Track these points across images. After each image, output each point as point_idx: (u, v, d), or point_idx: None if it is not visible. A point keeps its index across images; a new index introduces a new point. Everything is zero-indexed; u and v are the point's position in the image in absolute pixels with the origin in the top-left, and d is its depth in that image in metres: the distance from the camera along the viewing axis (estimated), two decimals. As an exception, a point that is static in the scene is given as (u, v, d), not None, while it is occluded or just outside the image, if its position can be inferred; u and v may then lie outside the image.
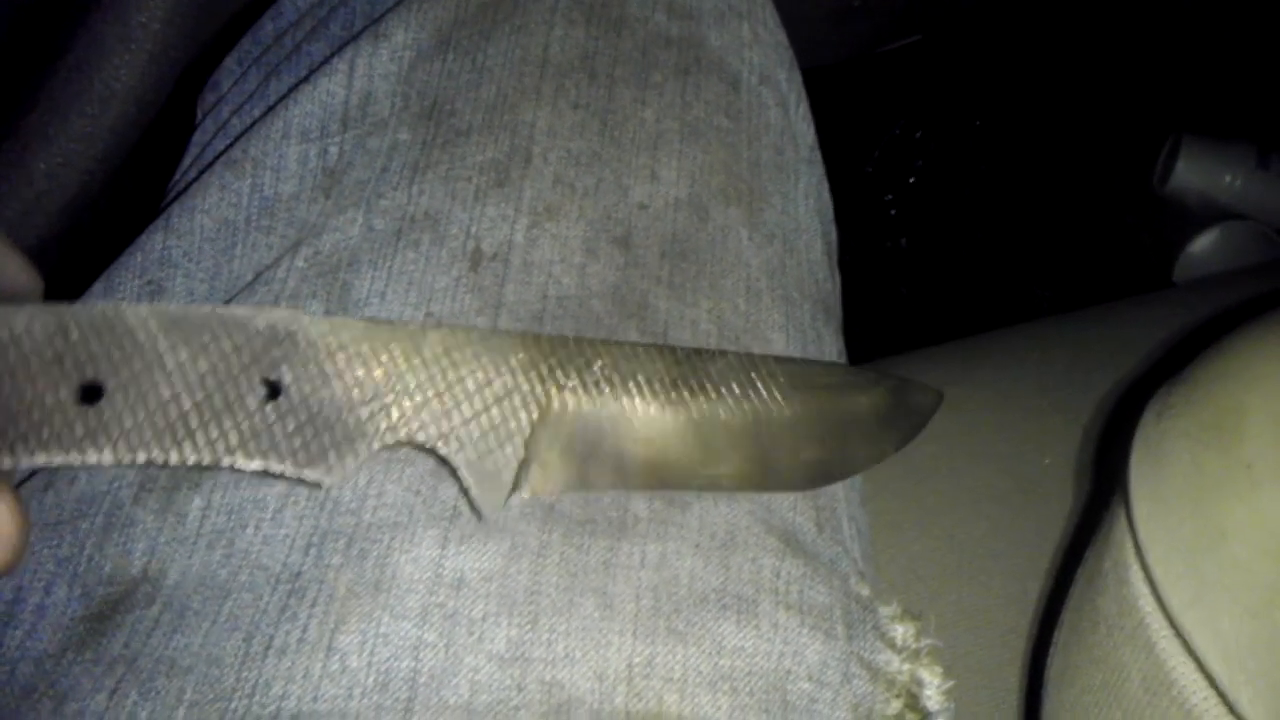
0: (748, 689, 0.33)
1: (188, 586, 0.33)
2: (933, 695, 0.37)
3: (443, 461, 0.33)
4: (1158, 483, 0.38)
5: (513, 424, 0.32)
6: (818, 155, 0.53)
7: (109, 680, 0.31)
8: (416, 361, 0.32)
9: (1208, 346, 0.41)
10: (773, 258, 0.44)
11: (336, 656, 0.31)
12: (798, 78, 0.53)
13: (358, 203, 0.41)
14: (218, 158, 0.43)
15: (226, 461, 0.29)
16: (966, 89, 1.36)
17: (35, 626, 0.33)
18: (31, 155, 0.52)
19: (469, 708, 0.31)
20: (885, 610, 0.39)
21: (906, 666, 0.37)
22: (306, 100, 0.43)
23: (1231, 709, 0.34)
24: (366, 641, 0.32)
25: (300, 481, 0.31)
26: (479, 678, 0.32)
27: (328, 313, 0.38)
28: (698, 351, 0.36)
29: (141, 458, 0.28)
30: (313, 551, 0.33)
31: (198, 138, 0.48)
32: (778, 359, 0.37)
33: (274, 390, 0.30)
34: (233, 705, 0.31)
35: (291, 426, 0.30)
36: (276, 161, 0.42)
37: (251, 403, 0.30)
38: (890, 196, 1.31)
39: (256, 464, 0.29)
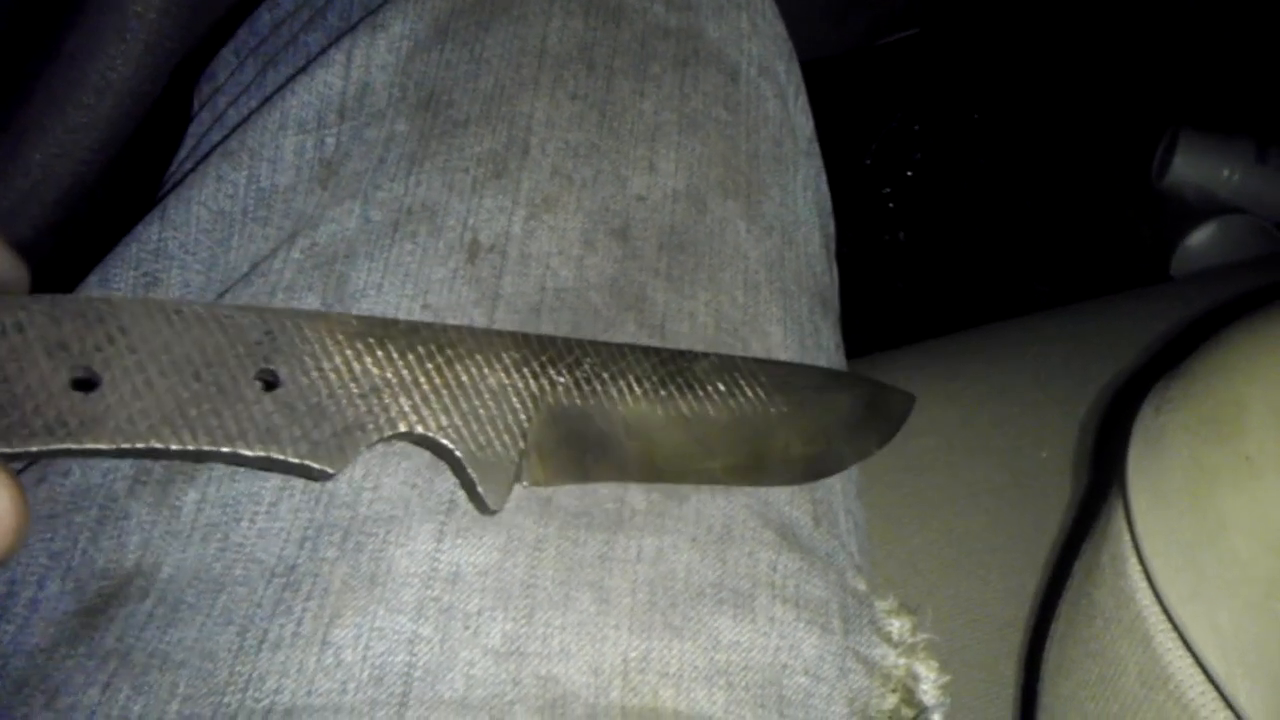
0: (744, 683, 0.33)
1: (182, 580, 0.33)
2: (929, 689, 0.37)
3: (441, 455, 0.33)
4: (1156, 476, 0.38)
5: (510, 418, 0.33)
6: (816, 148, 0.52)
7: (102, 674, 0.31)
8: (411, 358, 0.32)
9: (1206, 340, 0.41)
10: (771, 250, 0.44)
11: (331, 650, 0.31)
12: (796, 70, 0.53)
13: (355, 194, 0.40)
14: (214, 149, 0.43)
15: (226, 449, 0.29)
16: (965, 82, 1.36)
17: (28, 621, 0.33)
18: (27, 146, 0.52)
19: (464, 702, 0.31)
20: (882, 604, 0.39)
21: (903, 661, 0.37)
22: (303, 91, 0.43)
23: (1229, 703, 0.34)
24: (361, 635, 0.32)
25: (302, 470, 0.31)
26: (474, 672, 0.31)
27: (324, 304, 0.38)
28: (681, 353, 0.36)
29: (140, 445, 0.28)
30: (308, 545, 0.33)
31: (194, 129, 0.48)
32: (758, 361, 0.38)
33: (271, 383, 0.30)
34: (226, 699, 0.31)
35: (291, 416, 0.30)
36: (273, 153, 0.42)
37: (249, 394, 0.30)
38: (888, 189, 1.31)
39: (258, 451, 0.29)
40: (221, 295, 0.39)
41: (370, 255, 0.39)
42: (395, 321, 0.33)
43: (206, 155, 0.43)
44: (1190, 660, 0.35)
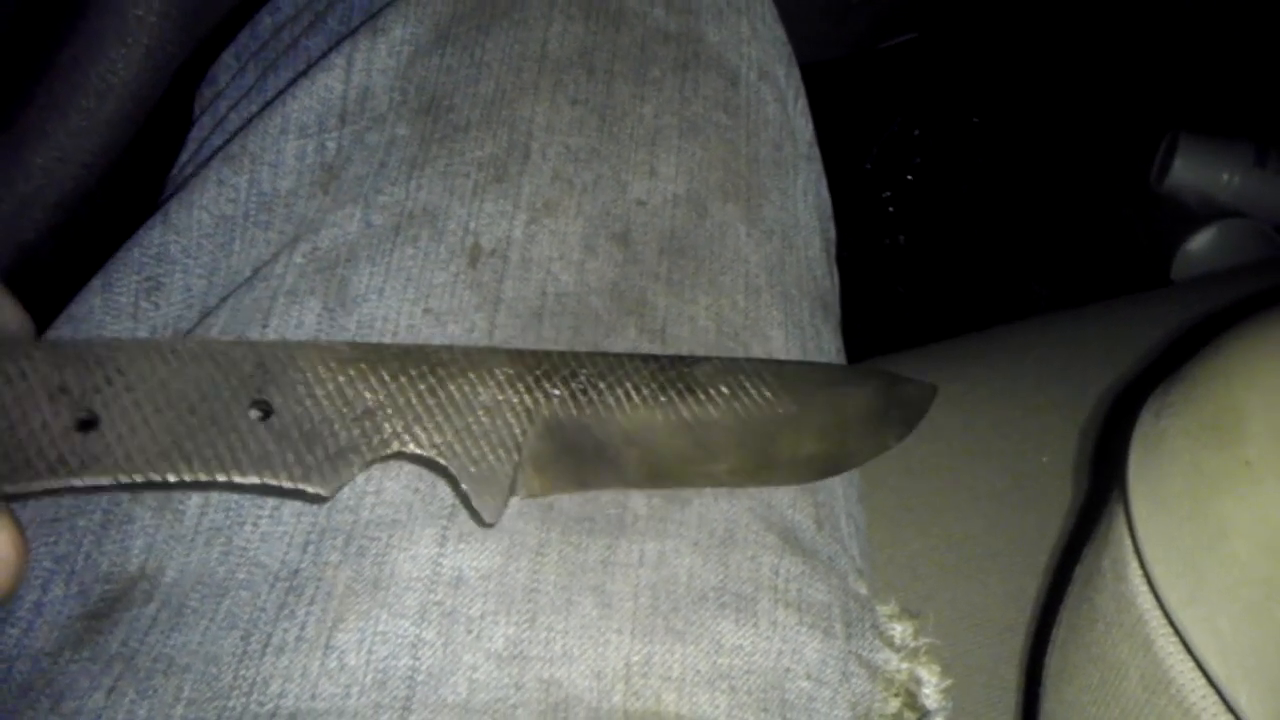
0: (746, 687, 0.33)
1: (186, 584, 0.33)
2: (931, 694, 0.37)
3: (437, 471, 0.33)
4: (1156, 480, 0.38)
5: (504, 432, 0.33)
6: (816, 152, 0.53)
7: (106, 678, 0.31)
8: (403, 379, 0.32)
9: (1206, 344, 0.41)
10: (771, 254, 0.44)
11: (334, 654, 0.31)
12: (796, 74, 0.53)
13: (356, 198, 0.40)
14: (215, 153, 0.43)
15: (222, 478, 0.30)
16: (965, 86, 1.36)
17: (32, 624, 0.33)
18: (29, 150, 0.52)
19: (467, 706, 0.31)
20: (884, 608, 0.39)
21: (905, 665, 0.37)
22: (304, 95, 0.43)
23: (1230, 707, 0.34)
24: (365, 639, 0.32)
25: (297, 495, 0.31)
26: (477, 676, 0.31)
27: (326, 309, 0.38)
28: (681, 358, 0.36)
29: (139, 479, 0.29)
30: (311, 549, 0.33)
31: (195, 133, 0.48)
32: (764, 361, 0.37)
33: (266, 412, 0.31)
34: (230, 703, 0.31)
35: (285, 443, 0.31)
36: (274, 157, 0.42)
37: (244, 424, 0.30)
38: (888, 193, 1.31)
39: (253, 478, 0.30)
40: (224, 300, 0.39)
41: (372, 259, 0.39)
42: (387, 346, 0.33)
43: (208, 159, 0.43)
44: (1191, 664, 0.35)
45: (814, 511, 0.39)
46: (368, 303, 0.38)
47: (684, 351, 0.38)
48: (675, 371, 0.36)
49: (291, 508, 0.34)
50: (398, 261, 0.39)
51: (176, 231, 0.41)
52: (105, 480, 0.29)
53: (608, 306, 0.39)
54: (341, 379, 0.32)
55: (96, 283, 0.40)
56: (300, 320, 0.38)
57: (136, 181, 0.53)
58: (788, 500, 0.38)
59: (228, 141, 0.43)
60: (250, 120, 0.44)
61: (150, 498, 0.35)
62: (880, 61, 1.37)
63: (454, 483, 0.33)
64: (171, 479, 0.29)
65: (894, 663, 0.37)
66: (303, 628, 0.32)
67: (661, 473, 0.35)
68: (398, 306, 0.38)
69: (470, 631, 0.32)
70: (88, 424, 0.29)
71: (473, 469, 0.32)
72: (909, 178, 1.32)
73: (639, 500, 0.36)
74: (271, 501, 0.34)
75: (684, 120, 0.45)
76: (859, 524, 0.43)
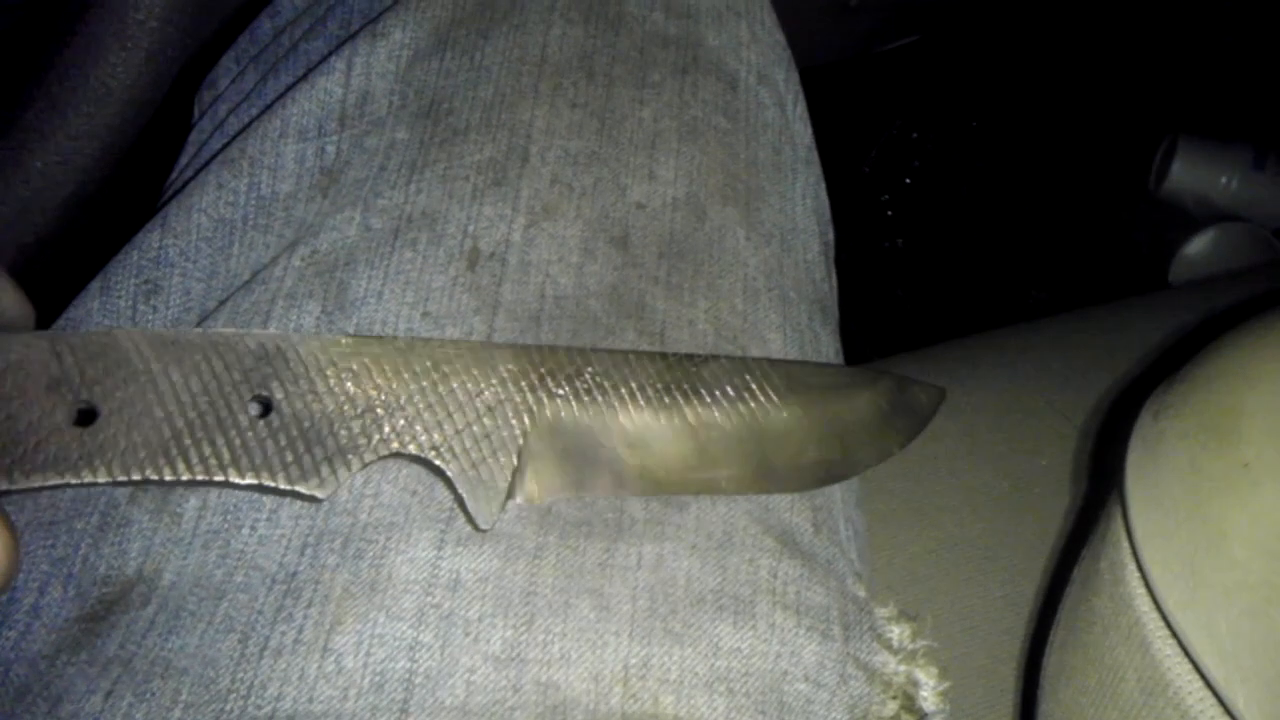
0: (744, 690, 0.33)
1: (183, 587, 0.33)
2: (929, 696, 0.37)
3: (435, 472, 0.33)
4: (1154, 483, 0.38)
5: (505, 433, 0.33)
6: (815, 155, 0.53)
7: (104, 681, 0.31)
8: (406, 376, 0.32)
9: (1204, 347, 0.41)
10: (770, 258, 0.44)
11: (332, 657, 0.31)
12: (795, 77, 0.53)
13: (355, 202, 0.40)
14: (215, 156, 0.43)
15: (219, 478, 0.30)
16: (963, 89, 1.37)
17: (30, 627, 0.33)
18: (28, 153, 0.52)
19: (464, 708, 0.31)
20: (882, 611, 0.39)
21: (903, 667, 0.37)
22: (304, 99, 0.43)
23: (1227, 710, 0.34)
24: (362, 642, 0.32)
25: (293, 496, 0.31)
26: (475, 679, 0.31)
27: (325, 312, 0.38)
28: (689, 356, 0.36)
29: (136, 477, 0.29)
30: (308, 552, 0.33)
31: (195, 136, 0.48)
32: (771, 361, 0.37)
33: (265, 408, 0.30)
34: (228, 706, 0.31)
35: (283, 442, 0.30)
36: (274, 160, 0.42)
37: (243, 420, 0.30)
38: (887, 197, 1.32)
39: (249, 479, 0.30)
40: (222, 303, 0.39)
41: (371, 263, 0.39)
42: (391, 339, 0.33)
43: (207, 163, 0.43)
44: (1189, 666, 0.35)
45: (812, 515, 0.39)
46: (366, 306, 0.38)
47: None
48: (682, 370, 0.35)
49: (289, 511, 0.34)
50: (396, 265, 0.39)
51: (175, 235, 0.41)
52: (102, 478, 0.28)
53: (606, 309, 0.39)
54: (343, 373, 0.31)
55: (95, 286, 0.40)
56: (299, 324, 0.38)
57: (136, 185, 0.53)
58: (786, 503, 0.38)
59: (227, 145, 0.43)
60: (250, 124, 0.44)
61: (148, 500, 0.35)
62: (879, 65, 1.37)
63: (452, 485, 0.33)
64: (169, 478, 0.29)
65: (892, 665, 0.37)
66: (300, 630, 0.32)
67: (662, 480, 0.35)
68: (396, 310, 0.38)
69: (468, 634, 0.32)
70: (87, 416, 0.29)
71: (470, 473, 0.32)
72: (908, 181, 1.32)
73: (637, 504, 0.36)
74: (269, 504, 0.34)
75: (683, 124, 0.45)
76: (858, 527, 0.43)
